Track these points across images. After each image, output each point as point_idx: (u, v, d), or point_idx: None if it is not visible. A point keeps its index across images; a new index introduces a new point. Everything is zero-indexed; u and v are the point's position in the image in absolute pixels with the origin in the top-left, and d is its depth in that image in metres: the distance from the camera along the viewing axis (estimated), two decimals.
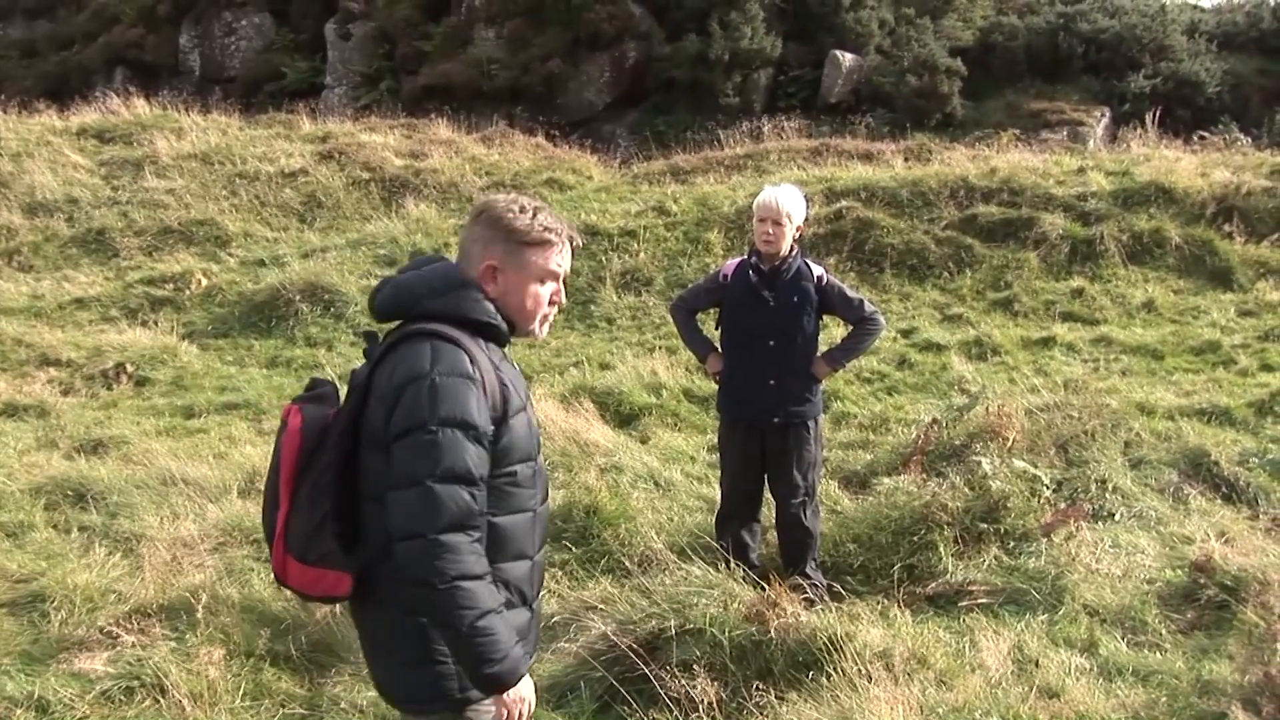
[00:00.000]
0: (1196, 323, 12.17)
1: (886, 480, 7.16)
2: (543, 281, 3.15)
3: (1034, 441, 7.74)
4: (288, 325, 12.58)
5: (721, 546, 6.16)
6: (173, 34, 27.57)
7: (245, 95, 24.53)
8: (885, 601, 5.90)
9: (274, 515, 3.04)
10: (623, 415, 9.74)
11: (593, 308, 13.12)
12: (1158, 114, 19.48)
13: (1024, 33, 23.66)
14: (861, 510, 6.94)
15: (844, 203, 14.46)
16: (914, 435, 8.03)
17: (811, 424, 6.39)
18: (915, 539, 6.47)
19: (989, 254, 13.63)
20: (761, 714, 4.75)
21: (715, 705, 4.73)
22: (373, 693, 4.85)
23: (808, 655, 5.00)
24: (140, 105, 19.89)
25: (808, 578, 6.16)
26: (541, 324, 3.24)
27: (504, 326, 3.12)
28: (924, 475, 7.17)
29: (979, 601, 6.06)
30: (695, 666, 4.92)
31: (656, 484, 7.90)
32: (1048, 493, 6.93)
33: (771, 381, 6.22)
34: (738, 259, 6.55)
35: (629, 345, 12.02)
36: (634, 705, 4.74)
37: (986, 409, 8.06)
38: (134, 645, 5.21)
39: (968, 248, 13.71)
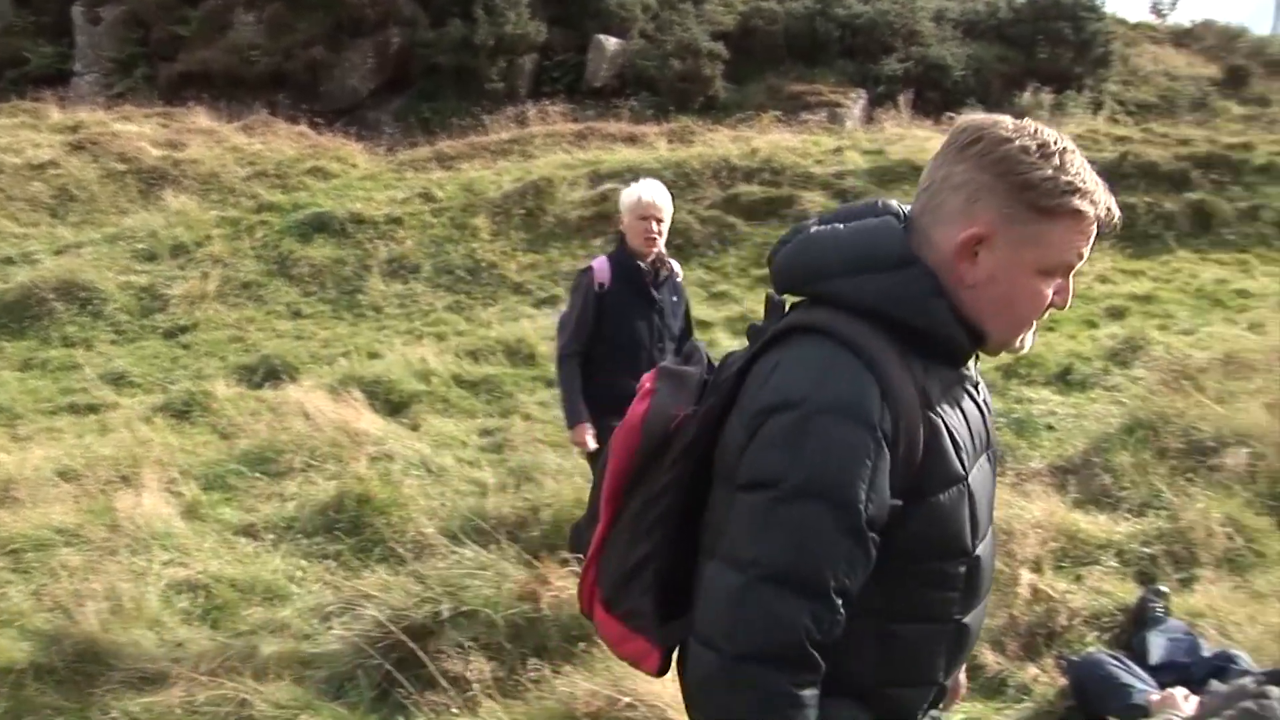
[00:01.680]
0: None
1: None
2: (1051, 274, 1.92)
3: None
4: (42, 325, 12.08)
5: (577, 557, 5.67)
6: None
7: None
8: None
9: (590, 531, 2.15)
10: (393, 404, 9.70)
11: (360, 297, 13.01)
12: (910, 96, 20.38)
13: (783, 17, 24.30)
14: None
15: (608, 185, 14.61)
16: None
17: None
18: None
19: (751, 232, 14.04)
20: (537, 688, 4.85)
21: (492, 683, 4.82)
22: (146, 698, 4.79)
23: (580, 629, 5.12)
24: None
25: None
26: (1028, 334, 2.00)
27: (963, 340, 1.94)
28: None
29: None
30: (469, 647, 5.00)
31: (429, 470, 7.92)
32: None
33: None
34: (599, 260, 5.75)
35: (397, 333, 12.01)
36: (411, 690, 4.79)
37: None
38: None
39: (731, 226, 14.10)
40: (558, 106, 20.74)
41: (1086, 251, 1.92)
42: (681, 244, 13.82)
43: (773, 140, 16.46)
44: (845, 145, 16.06)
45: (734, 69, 22.99)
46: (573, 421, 5.67)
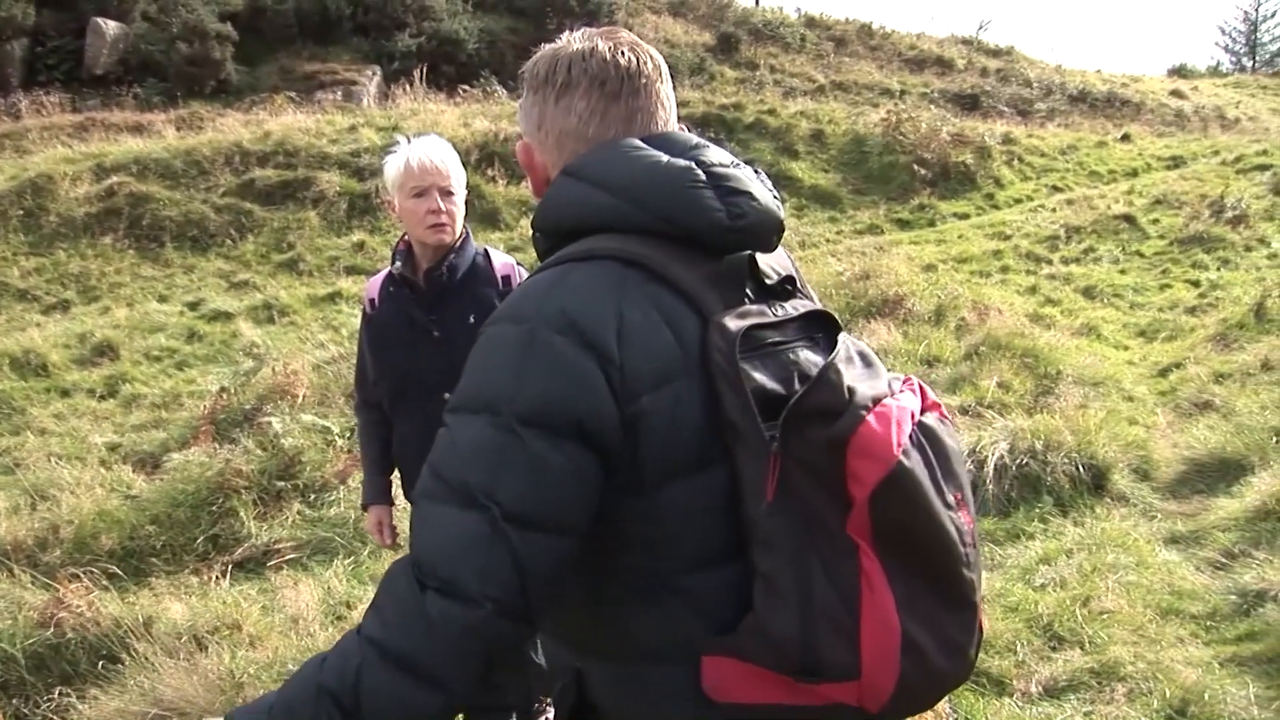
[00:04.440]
0: None
1: (177, 456, 7.16)
2: None
3: (323, 395, 8.03)
4: None
5: None
6: None
7: None
8: (194, 578, 5.92)
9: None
10: None
11: None
12: (424, 71, 20.58)
13: None
14: (156, 491, 6.88)
15: (115, 178, 14.02)
16: (204, 407, 8.07)
17: None
18: (215, 508, 6.53)
19: (270, 217, 13.81)
20: (61, 717, 4.65)
21: None
22: None
23: (111, 648, 4.94)
24: None
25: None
26: None
27: None
28: (215, 444, 7.23)
29: (287, 558, 6.22)
30: None
31: None
32: (340, 441, 7.23)
33: None
34: (383, 271, 3.88)
35: None
36: None
37: (274, 370, 8.24)
38: None
39: (248, 213, 13.81)
40: (54, 97, 19.58)
41: None
42: (197, 235, 13.42)
43: (286, 122, 16.28)
44: (360, 123, 16.09)
45: (245, 51, 22.46)
46: (362, 500, 4.10)
